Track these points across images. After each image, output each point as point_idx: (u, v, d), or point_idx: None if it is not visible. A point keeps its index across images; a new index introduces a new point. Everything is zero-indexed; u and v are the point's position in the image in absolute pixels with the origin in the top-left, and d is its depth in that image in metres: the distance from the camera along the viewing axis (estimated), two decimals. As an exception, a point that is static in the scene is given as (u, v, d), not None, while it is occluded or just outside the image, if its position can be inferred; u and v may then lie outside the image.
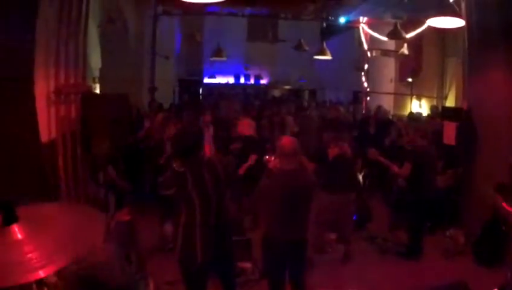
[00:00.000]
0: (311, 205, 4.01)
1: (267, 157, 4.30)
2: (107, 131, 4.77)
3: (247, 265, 5.11)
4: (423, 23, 7.89)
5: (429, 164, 5.77)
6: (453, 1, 6.19)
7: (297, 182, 3.74)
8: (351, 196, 5.57)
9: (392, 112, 12.21)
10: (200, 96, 20.16)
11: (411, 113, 11.56)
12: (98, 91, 9.63)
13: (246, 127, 6.82)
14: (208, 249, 3.40)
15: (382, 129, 8.93)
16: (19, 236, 1.48)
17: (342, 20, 12.24)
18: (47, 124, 4.24)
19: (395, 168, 5.87)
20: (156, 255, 5.33)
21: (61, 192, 4.38)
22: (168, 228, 5.66)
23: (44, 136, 4.14)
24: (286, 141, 3.89)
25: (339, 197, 5.39)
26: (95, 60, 9.59)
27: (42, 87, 4.19)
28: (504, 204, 4.37)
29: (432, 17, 4.98)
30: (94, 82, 9.51)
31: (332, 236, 6.13)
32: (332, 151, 5.39)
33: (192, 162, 3.46)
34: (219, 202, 3.53)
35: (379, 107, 12.07)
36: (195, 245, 3.37)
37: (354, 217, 6.49)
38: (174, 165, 3.48)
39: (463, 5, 6.33)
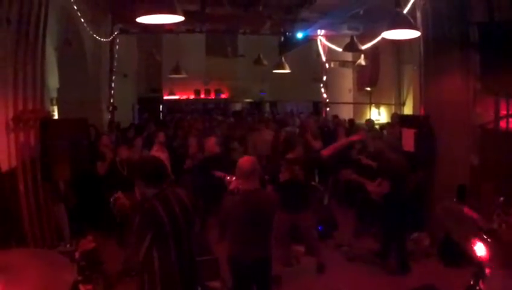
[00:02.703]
0: (273, 222, 4.01)
1: (228, 177, 4.27)
2: (67, 156, 4.62)
3: (216, 284, 5.07)
4: (379, 34, 8.11)
5: (404, 176, 5.72)
6: (407, 12, 6.38)
7: (259, 201, 3.76)
8: (305, 213, 5.60)
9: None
10: (161, 114, 19.93)
11: (351, 120, 11.70)
12: (56, 112, 9.39)
13: (213, 145, 6.90)
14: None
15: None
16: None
17: (300, 35, 12.43)
18: (7, 152, 4.08)
19: (370, 186, 5.70)
20: (124, 279, 5.18)
21: (23, 220, 4.21)
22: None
23: (4, 165, 3.98)
24: (243, 161, 3.86)
25: (293, 216, 5.45)
26: (53, 81, 9.34)
27: (1, 116, 4.04)
28: (467, 210, 4.25)
29: (387, 29, 5.10)
30: (52, 104, 9.25)
31: (301, 248, 6.16)
32: (283, 176, 5.44)
33: (161, 192, 3.09)
34: (189, 236, 3.26)
35: (336, 117, 12.21)
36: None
37: (319, 228, 6.55)
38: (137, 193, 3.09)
39: (418, 15, 6.58)
